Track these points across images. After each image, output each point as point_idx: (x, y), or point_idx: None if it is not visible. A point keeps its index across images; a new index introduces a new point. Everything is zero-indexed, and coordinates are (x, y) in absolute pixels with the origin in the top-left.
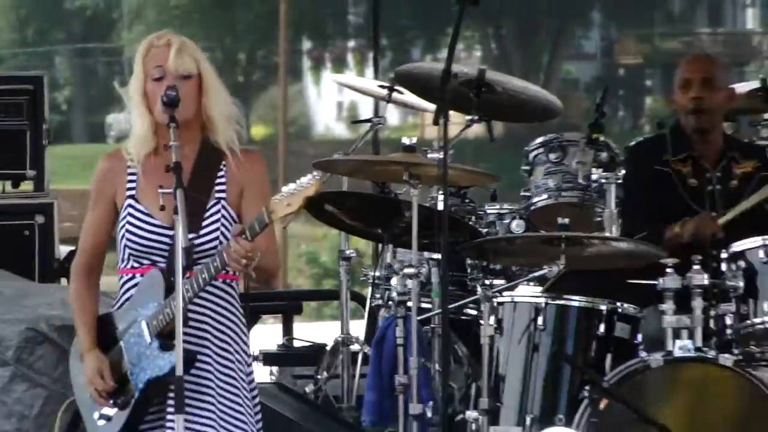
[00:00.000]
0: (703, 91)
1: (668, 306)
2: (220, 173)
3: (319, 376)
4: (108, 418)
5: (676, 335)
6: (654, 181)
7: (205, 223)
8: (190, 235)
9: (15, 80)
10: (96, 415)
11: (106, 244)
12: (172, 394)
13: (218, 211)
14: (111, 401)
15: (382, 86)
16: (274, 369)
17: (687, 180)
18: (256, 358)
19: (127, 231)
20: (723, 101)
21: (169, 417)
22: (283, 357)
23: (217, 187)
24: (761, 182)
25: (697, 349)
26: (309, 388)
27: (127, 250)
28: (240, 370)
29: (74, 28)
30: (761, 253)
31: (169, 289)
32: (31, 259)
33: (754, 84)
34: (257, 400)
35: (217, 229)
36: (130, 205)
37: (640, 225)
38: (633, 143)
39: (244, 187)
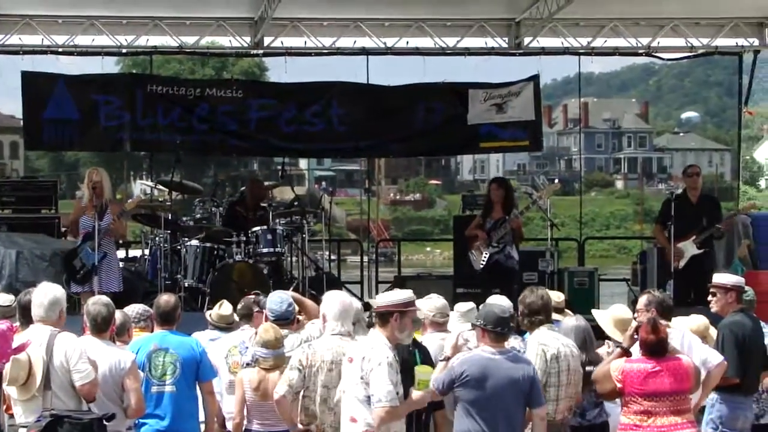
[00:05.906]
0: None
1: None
2: (108, 207)
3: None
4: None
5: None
6: (232, 215)
7: (105, 217)
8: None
9: (47, 181)
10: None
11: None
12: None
13: (108, 216)
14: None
15: (155, 183)
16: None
17: (243, 214)
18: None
19: (82, 222)
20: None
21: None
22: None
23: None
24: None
25: (244, 258)
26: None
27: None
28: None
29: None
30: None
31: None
32: (53, 231)
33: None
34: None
35: (108, 222)
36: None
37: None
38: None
39: (112, 207)
